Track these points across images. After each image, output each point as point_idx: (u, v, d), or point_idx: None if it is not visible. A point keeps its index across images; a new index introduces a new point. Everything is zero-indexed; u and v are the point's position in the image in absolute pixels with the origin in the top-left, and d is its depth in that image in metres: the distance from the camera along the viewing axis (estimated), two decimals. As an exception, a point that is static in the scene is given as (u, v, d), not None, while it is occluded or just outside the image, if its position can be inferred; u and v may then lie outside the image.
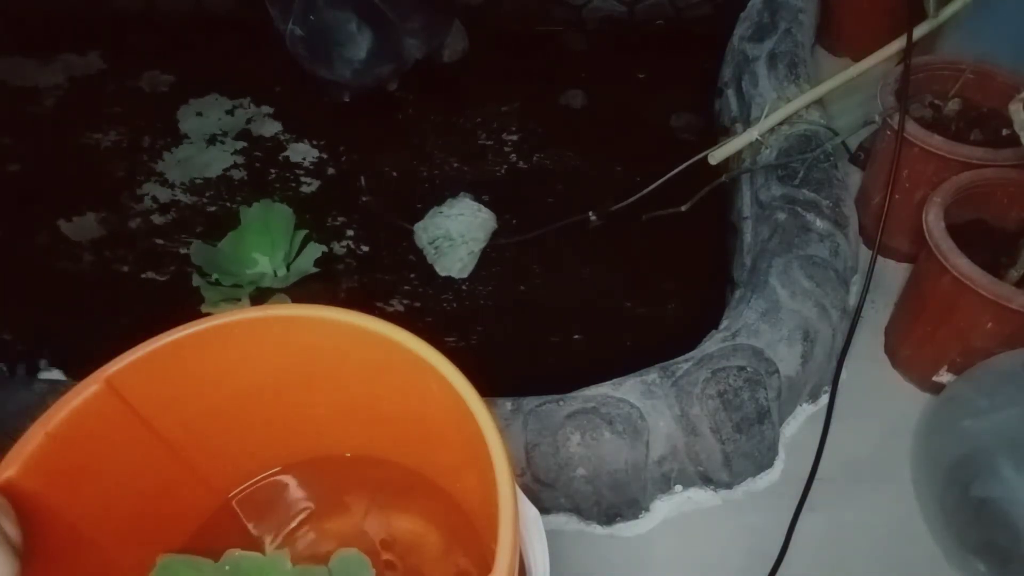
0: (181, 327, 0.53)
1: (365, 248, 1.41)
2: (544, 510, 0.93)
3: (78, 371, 0.81)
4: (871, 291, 1.06)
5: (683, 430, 0.90)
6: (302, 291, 1.30)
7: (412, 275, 1.36)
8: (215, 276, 1.26)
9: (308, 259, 1.32)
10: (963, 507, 0.87)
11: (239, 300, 1.24)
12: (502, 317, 1.29)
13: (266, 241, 1.30)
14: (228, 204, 1.49)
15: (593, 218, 1.35)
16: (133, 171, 1.55)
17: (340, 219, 1.46)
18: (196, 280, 1.25)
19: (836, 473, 0.98)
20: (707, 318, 1.08)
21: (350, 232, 1.44)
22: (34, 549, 0.47)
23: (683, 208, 1.26)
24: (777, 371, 0.94)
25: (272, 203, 1.35)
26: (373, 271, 1.37)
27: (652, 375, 0.94)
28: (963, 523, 0.88)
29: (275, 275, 1.30)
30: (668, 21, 1.86)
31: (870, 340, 1.13)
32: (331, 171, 1.55)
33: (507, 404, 0.92)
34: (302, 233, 1.34)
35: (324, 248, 1.32)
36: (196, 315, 0.54)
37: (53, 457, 0.47)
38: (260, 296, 1.27)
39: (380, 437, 0.63)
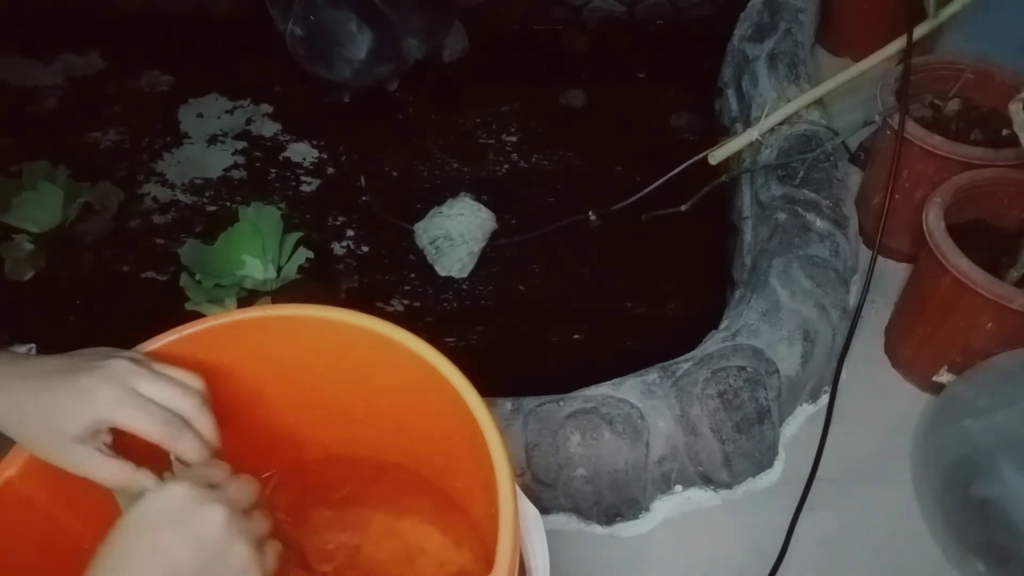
0: (178, 328, 0.53)
1: (365, 248, 1.41)
2: (544, 510, 0.93)
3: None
4: (871, 291, 1.05)
5: (683, 430, 0.90)
6: (300, 291, 1.30)
7: (412, 275, 1.36)
8: (197, 276, 1.26)
9: (295, 265, 1.31)
10: (963, 507, 0.87)
11: (223, 301, 1.24)
12: (502, 317, 1.29)
13: (256, 244, 1.29)
14: (228, 204, 1.49)
15: (593, 218, 1.35)
16: (133, 171, 1.56)
17: (340, 219, 1.46)
18: (184, 279, 1.25)
19: (836, 473, 0.98)
20: (707, 318, 1.08)
21: (350, 232, 1.44)
22: (33, 550, 0.47)
23: (683, 208, 1.26)
24: (777, 371, 0.94)
25: (263, 206, 1.34)
26: (373, 271, 1.37)
27: (652, 375, 0.94)
28: (963, 523, 0.88)
29: (263, 278, 1.29)
30: (668, 21, 1.86)
31: (870, 340, 1.13)
32: (331, 171, 1.55)
33: (507, 404, 0.92)
34: (295, 236, 1.33)
35: (310, 254, 1.31)
36: (196, 316, 0.54)
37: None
38: (249, 298, 1.26)
39: (380, 438, 0.63)
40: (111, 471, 0.44)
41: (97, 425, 0.43)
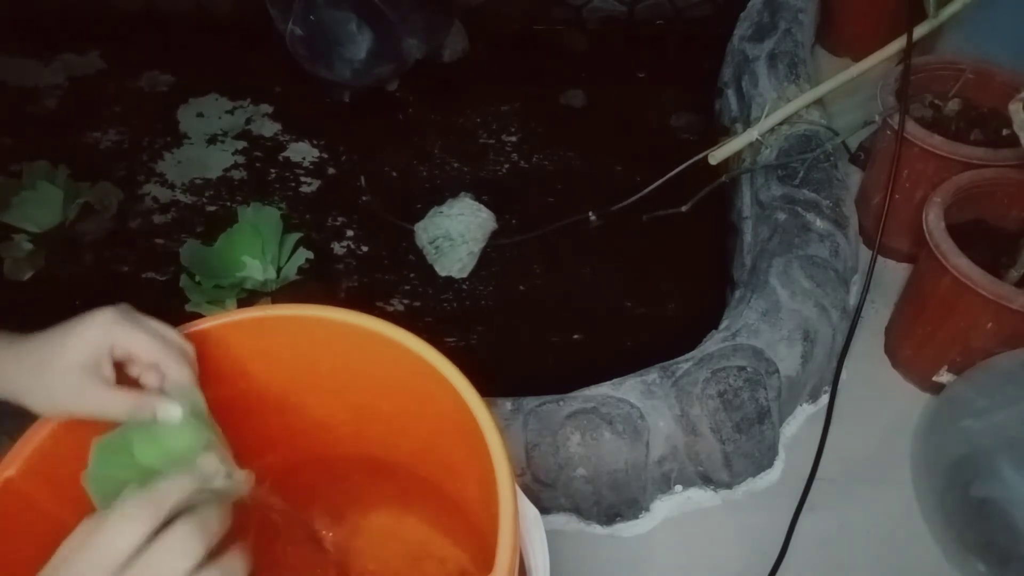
0: (178, 328, 0.53)
1: (365, 248, 1.41)
2: (544, 510, 0.93)
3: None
4: (871, 291, 1.05)
5: (683, 430, 0.90)
6: (300, 291, 1.30)
7: (412, 275, 1.36)
8: (197, 277, 1.26)
9: (295, 265, 1.31)
10: (963, 507, 0.87)
11: (223, 302, 1.23)
12: (502, 317, 1.29)
13: (256, 244, 1.29)
14: (228, 204, 1.49)
15: (593, 218, 1.35)
16: (133, 171, 1.56)
17: (340, 219, 1.46)
18: (183, 281, 1.25)
19: (836, 473, 0.98)
20: (707, 318, 1.08)
21: (350, 232, 1.44)
22: (33, 550, 0.47)
23: (683, 208, 1.26)
24: (777, 371, 0.94)
25: (262, 206, 1.34)
26: (373, 271, 1.37)
27: (652, 375, 0.94)
28: (963, 523, 0.88)
29: (263, 279, 1.29)
30: (668, 21, 1.86)
31: (870, 340, 1.13)
32: (331, 171, 1.55)
33: (507, 404, 0.92)
34: (294, 237, 1.33)
35: (310, 254, 1.31)
36: (196, 317, 0.54)
37: (53, 457, 0.47)
38: (249, 298, 1.26)
39: (380, 438, 0.63)
40: (118, 400, 0.44)
41: (99, 348, 0.44)
